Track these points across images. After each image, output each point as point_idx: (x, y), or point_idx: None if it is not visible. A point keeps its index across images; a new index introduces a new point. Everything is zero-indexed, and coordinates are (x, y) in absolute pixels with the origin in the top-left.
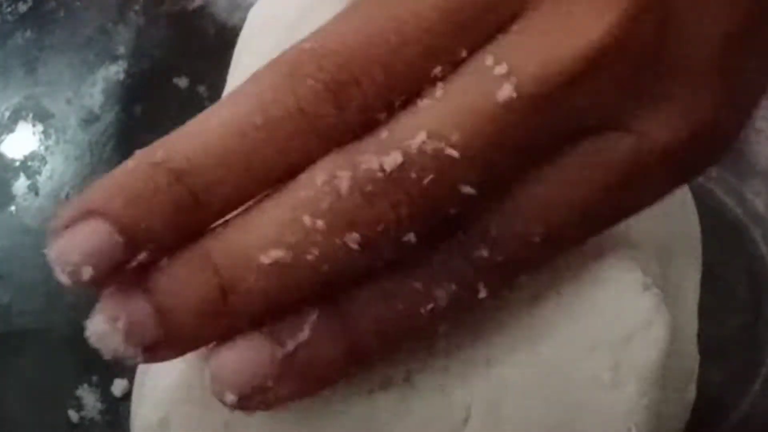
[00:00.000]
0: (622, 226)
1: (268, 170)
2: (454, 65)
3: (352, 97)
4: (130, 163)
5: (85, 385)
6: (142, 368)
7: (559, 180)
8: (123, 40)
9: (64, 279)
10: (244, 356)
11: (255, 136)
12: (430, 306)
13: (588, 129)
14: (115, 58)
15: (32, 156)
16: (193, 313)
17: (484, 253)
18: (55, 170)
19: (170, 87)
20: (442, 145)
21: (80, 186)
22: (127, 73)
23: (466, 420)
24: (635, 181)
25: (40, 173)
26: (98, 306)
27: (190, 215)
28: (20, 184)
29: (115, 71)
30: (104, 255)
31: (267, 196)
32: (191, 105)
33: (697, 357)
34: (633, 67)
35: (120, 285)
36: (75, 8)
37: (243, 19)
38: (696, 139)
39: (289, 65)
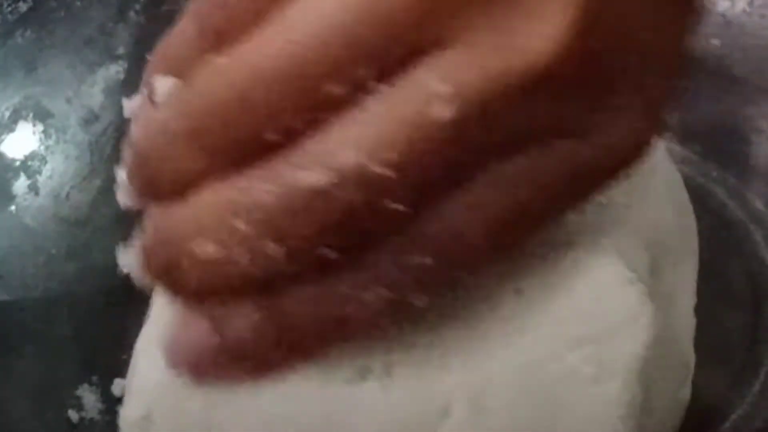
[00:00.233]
0: (608, 221)
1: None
2: (385, 74)
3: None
4: None
5: (85, 385)
6: (130, 371)
7: (499, 184)
8: (123, 40)
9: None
10: (189, 338)
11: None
12: (360, 309)
13: (532, 138)
14: (115, 58)
15: (32, 156)
16: (158, 276)
17: (418, 259)
18: (56, 170)
19: None
20: (372, 163)
21: (80, 186)
22: (127, 72)
23: (446, 412)
24: (577, 183)
25: (40, 173)
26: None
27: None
28: (20, 184)
29: (116, 71)
30: None
31: (221, 172)
32: None
33: (693, 356)
34: (575, 81)
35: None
36: (75, 8)
37: None
38: (640, 146)
39: None
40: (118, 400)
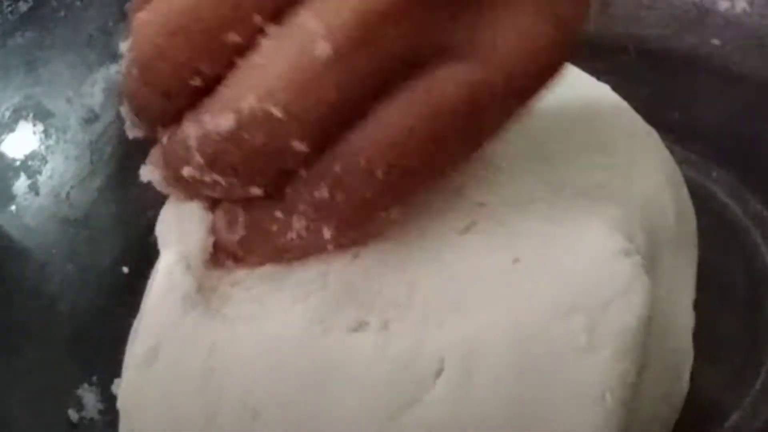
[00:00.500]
0: (607, 199)
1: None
2: (278, 16)
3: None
4: None
5: (85, 385)
6: (134, 325)
7: (398, 113)
8: (123, 39)
9: None
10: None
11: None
12: (292, 234)
13: (425, 61)
14: (115, 58)
15: (32, 155)
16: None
17: (325, 193)
18: (56, 170)
19: None
20: (270, 106)
21: (80, 186)
22: None
23: (438, 373)
24: (478, 106)
25: (40, 173)
26: None
27: None
28: (21, 184)
29: (116, 71)
30: None
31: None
32: None
33: (691, 351)
34: None
35: None
36: (75, 8)
37: None
38: (538, 54)
39: None
40: None
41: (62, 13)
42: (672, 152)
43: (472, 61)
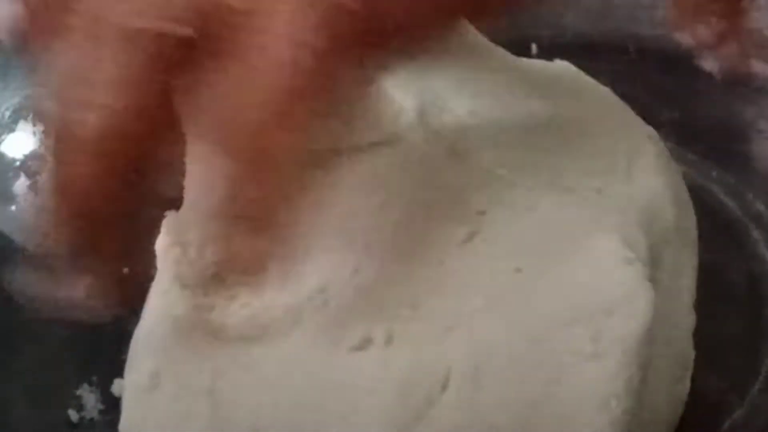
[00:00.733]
0: (608, 206)
1: None
2: None
3: None
4: None
5: (85, 385)
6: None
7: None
8: None
9: None
10: None
11: None
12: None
13: None
14: None
15: (32, 156)
16: None
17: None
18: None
19: None
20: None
21: None
22: None
23: (445, 385)
24: None
25: (40, 173)
26: None
27: None
28: (20, 184)
29: None
30: None
31: None
32: None
33: (692, 352)
34: None
35: None
36: None
37: None
38: None
39: None
40: (118, 400)
41: None
42: (672, 152)
43: None
